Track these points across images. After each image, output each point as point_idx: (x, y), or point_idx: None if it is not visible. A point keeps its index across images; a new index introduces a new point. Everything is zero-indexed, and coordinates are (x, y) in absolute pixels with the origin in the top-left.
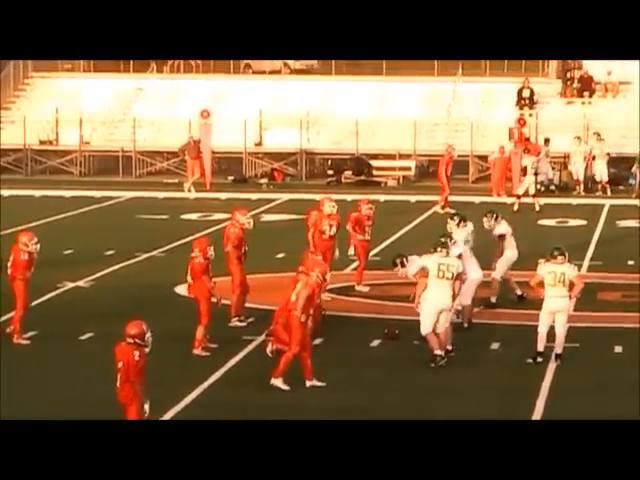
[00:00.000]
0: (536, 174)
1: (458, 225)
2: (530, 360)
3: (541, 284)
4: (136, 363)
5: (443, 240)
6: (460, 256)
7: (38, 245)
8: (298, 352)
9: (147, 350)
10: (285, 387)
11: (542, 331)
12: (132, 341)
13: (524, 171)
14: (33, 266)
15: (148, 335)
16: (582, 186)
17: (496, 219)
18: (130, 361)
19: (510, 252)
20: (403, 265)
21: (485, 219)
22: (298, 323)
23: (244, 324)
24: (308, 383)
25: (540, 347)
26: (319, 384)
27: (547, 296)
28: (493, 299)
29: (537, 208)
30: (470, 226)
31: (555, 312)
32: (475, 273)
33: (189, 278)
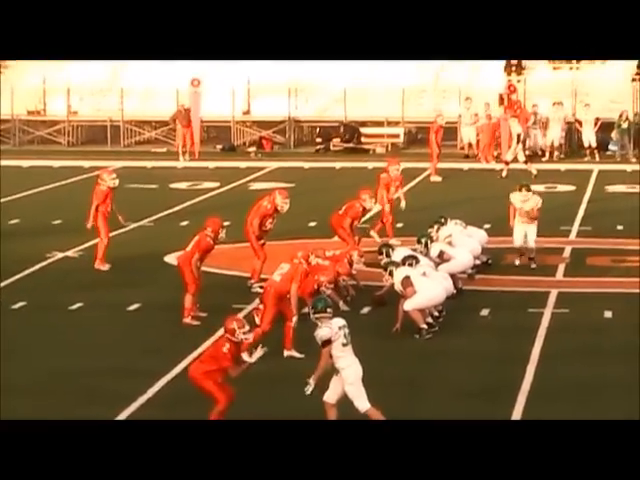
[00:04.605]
0: (524, 141)
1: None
2: (516, 262)
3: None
4: (223, 355)
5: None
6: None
7: (117, 180)
8: (269, 329)
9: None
10: (251, 360)
11: (518, 243)
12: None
13: (518, 138)
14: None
15: (239, 332)
16: (550, 152)
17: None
18: (218, 351)
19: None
20: (388, 255)
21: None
22: (273, 303)
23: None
24: (286, 353)
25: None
26: (298, 355)
27: (518, 217)
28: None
29: (534, 172)
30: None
31: (525, 230)
32: (462, 257)
33: (189, 247)
